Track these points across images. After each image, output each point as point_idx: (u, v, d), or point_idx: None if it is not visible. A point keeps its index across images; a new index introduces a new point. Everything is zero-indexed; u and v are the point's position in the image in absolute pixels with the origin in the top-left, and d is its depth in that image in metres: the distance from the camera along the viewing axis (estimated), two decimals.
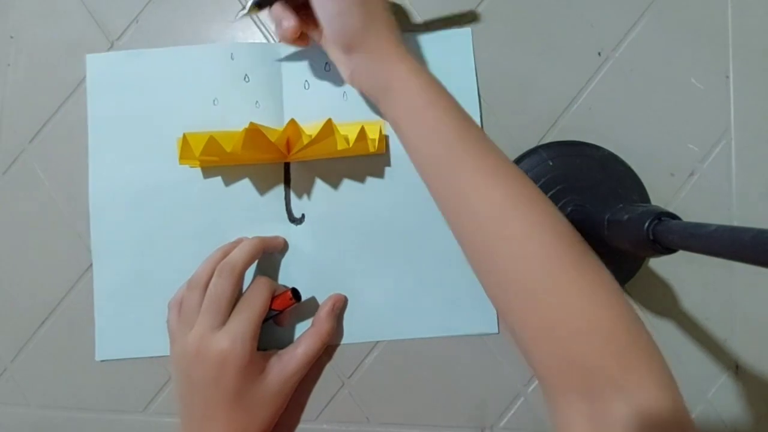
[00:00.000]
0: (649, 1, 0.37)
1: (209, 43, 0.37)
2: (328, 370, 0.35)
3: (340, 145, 0.32)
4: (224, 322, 0.30)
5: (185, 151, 0.34)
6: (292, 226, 0.36)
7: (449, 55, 0.36)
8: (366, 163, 0.36)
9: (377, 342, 0.35)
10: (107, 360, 0.36)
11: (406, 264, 0.35)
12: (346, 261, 0.35)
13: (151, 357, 0.35)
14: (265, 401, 0.31)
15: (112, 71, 0.37)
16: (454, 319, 0.35)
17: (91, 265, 0.36)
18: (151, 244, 0.36)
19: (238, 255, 0.32)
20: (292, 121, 0.32)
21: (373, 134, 0.34)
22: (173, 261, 0.35)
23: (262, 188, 0.36)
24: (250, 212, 0.36)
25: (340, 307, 0.35)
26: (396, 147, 0.36)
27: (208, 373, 0.30)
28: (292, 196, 0.36)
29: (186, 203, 0.36)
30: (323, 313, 0.34)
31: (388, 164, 0.36)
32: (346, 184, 0.36)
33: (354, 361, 0.35)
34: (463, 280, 0.35)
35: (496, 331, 0.35)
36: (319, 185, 0.36)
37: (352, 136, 0.33)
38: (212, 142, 0.31)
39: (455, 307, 0.35)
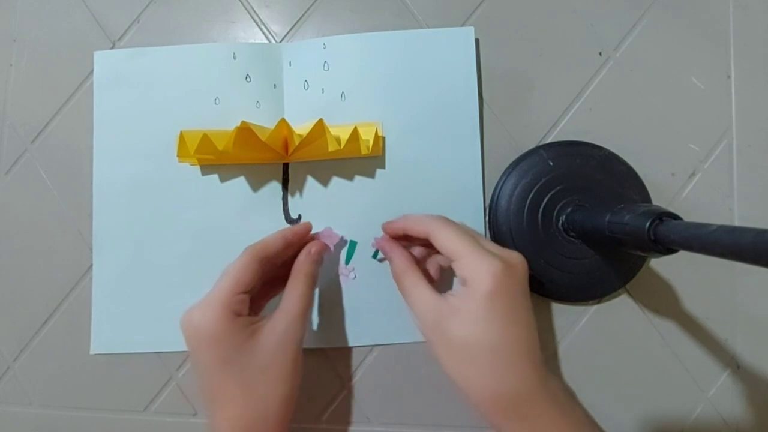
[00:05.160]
0: (650, 0, 0.37)
1: (211, 43, 0.37)
2: (329, 371, 0.35)
3: (331, 147, 0.32)
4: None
5: (182, 149, 0.34)
6: (289, 226, 0.36)
7: (451, 53, 0.36)
8: (364, 165, 0.36)
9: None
10: (101, 354, 0.36)
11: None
12: (340, 263, 0.35)
13: (148, 353, 0.36)
14: (266, 370, 0.28)
15: (118, 68, 0.37)
16: None
17: (92, 264, 0.36)
18: (149, 240, 0.36)
19: (263, 239, 0.31)
20: (283, 121, 0.32)
21: (367, 136, 0.34)
22: (170, 258, 0.36)
23: (260, 188, 0.36)
24: (247, 211, 0.36)
25: (318, 251, 0.33)
26: (392, 149, 0.36)
27: (193, 353, 0.28)
28: (290, 196, 0.36)
29: (184, 200, 0.36)
30: (301, 258, 0.32)
31: (388, 166, 0.36)
32: (344, 185, 0.36)
33: (354, 362, 0.35)
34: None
35: None
36: (317, 186, 0.36)
37: (344, 137, 0.33)
38: (205, 140, 0.31)
39: None
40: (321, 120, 0.32)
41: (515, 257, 0.27)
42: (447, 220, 0.30)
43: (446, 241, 0.28)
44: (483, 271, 0.26)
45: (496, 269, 0.26)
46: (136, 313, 0.36)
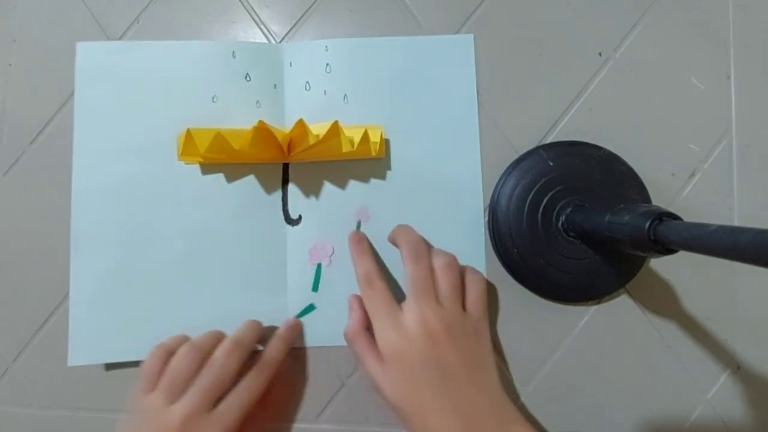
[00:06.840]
0: (650, 0, 0.37)
1: (209, 40, 0.37)
2: (328, 370, 0.35)
3: (345, 148, 0.32)
4: (216, 403, 0.28)
5: (189, 147, 0.33)
6: (289, 227, 0.36)
7: (450, 60, 0.36)
8: (365, 166, 0.36)
9: None
10: (79, 366, 0.34)
11: (400, 269, 0.35)
12: (341, 264, 0.35)
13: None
14: None
15: (104, 61, 0.36)
16: None
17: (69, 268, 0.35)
18: (139, 244, 0.35)
19: (249, 335, 0.31)
20: (301, 122, 0.32)
21: (374, 138, 0.34)
22: (163, 262, 0.35)
23: (260, 188, 0.36)
24: (246, 212, 0.35)
25: (290, 336, 0.34)
26: (393, 151, 0.36)
27: None
28: (290, 197, 0.36)
29: (179, 202, 0.35)
30: (272, 344, 0.33)
31: (389, 168, 0.36)
32: (344, 186, 0.36)
33: (353, 361, 0.35)
34: None
35: None
36: (317, 187, 0.36)
37: (357, 138, 0.33)
38: (219, 139, 0.31)
39: None
40: (336, 122, 0.32)
41: (413, 334, 0.28)
42: (419, 266, 0.30)
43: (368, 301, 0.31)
44: (381, 345, 0.29)
45: (389, 347, 0.29)
46: (123, 321, 0.34)
